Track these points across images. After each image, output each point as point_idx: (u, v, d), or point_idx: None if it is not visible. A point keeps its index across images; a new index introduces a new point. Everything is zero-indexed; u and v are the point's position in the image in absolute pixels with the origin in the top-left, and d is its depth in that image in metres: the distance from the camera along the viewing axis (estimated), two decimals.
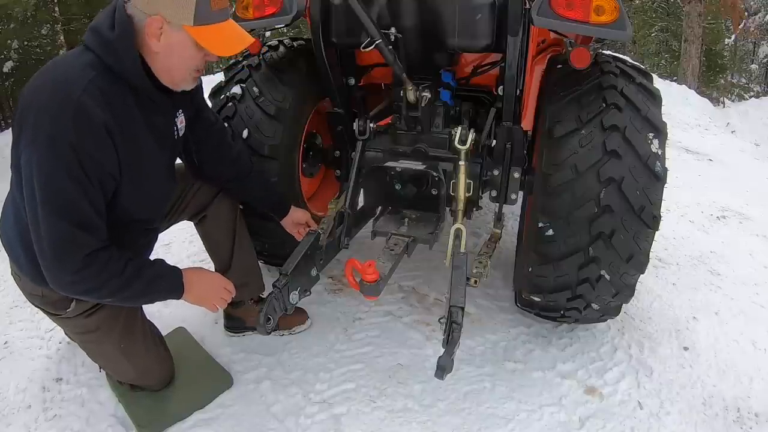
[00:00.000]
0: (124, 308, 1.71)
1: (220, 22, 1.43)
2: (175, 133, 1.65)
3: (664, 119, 1.76)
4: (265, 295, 2.17)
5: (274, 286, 1.68)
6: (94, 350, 1.79)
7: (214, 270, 2.11)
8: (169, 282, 1.57)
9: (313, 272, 1.87)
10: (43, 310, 1.67)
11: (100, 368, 1.92)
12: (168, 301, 2.34)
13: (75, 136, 1.29)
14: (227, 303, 1.73)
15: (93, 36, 1.39)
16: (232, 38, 1.46)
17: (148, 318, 1.86)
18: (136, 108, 1.43)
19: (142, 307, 1.83)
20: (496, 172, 2.08)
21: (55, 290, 1.45)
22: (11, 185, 1.50)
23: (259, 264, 2.21)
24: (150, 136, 1.50)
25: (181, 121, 1.66)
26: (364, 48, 1.80)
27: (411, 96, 2.01)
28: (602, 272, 1.75)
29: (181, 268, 1.62)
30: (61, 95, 1.31)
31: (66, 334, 1.99)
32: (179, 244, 2.90)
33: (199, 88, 1.71)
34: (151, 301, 1.64)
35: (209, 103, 1.99)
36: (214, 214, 1.97)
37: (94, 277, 1.39)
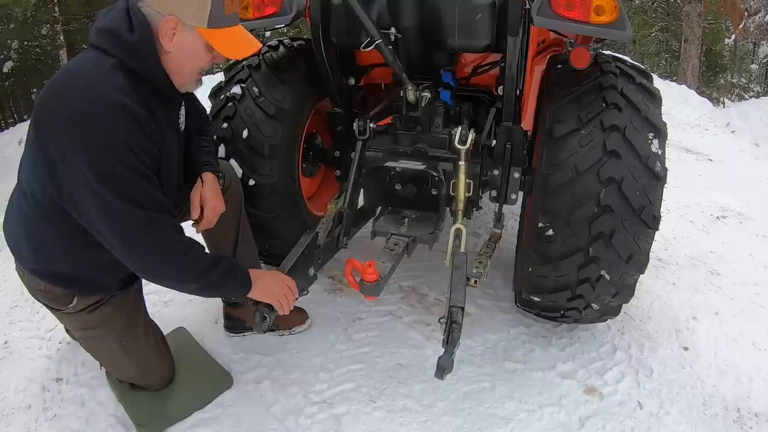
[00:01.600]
0: (126, 305, 1.71)
1: (231, 26, 1.47)
2: (180, 126, 1.67)
3: (664, 119, 1.76)
4: None
5: None
6: (95, 347, 1.79)
7: None
8: (242, 274, 1.59)
9: (311, 272, 1.87)
10: (45, 305, 1.67)
11: (100, 366, 1.92)
12: (168, 300, 2.38)
13: (127, 133, 1.32)
14: (292, 305, 1.71)
15: (111, 39, 1.38)
16: (242, 42, 1.49)
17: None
18: (157, 104, 1.46)
19: (145, 306, 1.83)
20: (496, 172, 2.08)
21: (150, 280, 1.52)
22: (20, 186, 1.51)
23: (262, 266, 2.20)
24: (168, 130, 1.54)
25: (182, 114, 1.69)
26: (364, 48, 1.80)
27: (411, 96, 2.01)
28: (602, 272, 1.75)
29: None
30: (101, 100, 1.31)
31: (66, 332, 1.99)
32: None
33: None
34: (222, 294, 1.74)
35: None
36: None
37: (187, 253, 1.44)
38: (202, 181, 1.75)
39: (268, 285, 1.65)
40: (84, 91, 1.33)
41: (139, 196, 1.35)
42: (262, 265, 2.23)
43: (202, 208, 1.74)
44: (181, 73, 1.47)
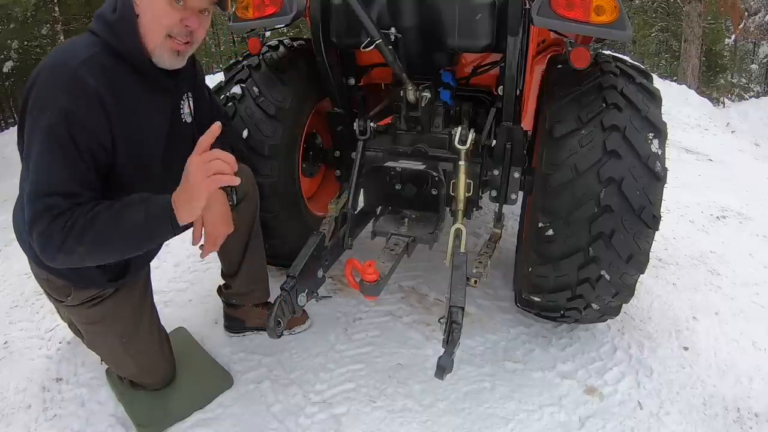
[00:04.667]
0: (130, 303, 1.71)
1: None
2: (183, 117, 1.64)
3: (664, 119, 1.76)
4: (269, 299, 2.18)
5: (282, 288, 1.67)
6: (97, 342, 1.79)
7: (220, 272, 2.11)
8: (149, 206, 1.34)
9: (320, 273, 1.87)
10: (49, 296, 1.69)
11: (101, 361, 1.93)
12: (168, 300, 2.37)
13: (67, 102, 1.31)
14: (232, 173, 1.33)
15: (97, 20, 1.43)
16: None
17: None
18: (138, 86, 1.44)
19: (152, 304, 1.83)
20: (496, 172, 2.08)
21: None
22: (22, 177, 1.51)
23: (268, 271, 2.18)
24: (153, 116, 1.50)
25: (188, 105, 1.66)
26: (364, 48, 1.80)
27: (411, 96, 2.01)
28: (602, 272, 1.75)
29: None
30: (60, 68, 1.34)
31: (69, 327, 1.99)
32: (179, 243, 2.90)
33: (198, 73, 1.71)
34: (138, 240, 1.36)
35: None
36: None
37: (60, 230, 1.29)
38: (208, 203, 1.52)
39: (190, 191, 1.32)
40: (51, 60, 1.37)
41: (48, 170, 1.31)
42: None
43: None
44: (147, 35, 1.40)
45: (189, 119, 1.67)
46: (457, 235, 1.92)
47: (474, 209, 2.18)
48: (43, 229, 1.30)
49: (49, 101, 1.31)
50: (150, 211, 1.33)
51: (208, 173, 1.30)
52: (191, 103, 1.68)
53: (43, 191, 1.31)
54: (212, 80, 2.60)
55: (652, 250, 1.77)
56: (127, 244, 1.37)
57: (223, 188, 1.63)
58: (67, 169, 1.32)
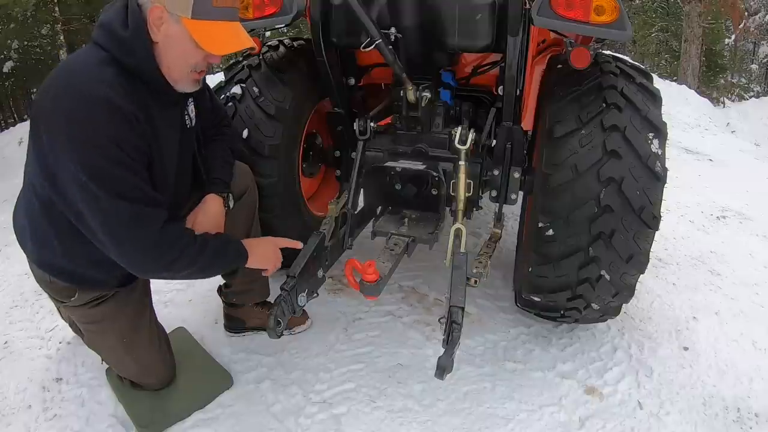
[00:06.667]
0: (131, 303, 1.71)
1: (222, 20, 1.39)
2: (188, 122, 1.65)
3: (664, 119, 1.76)
4: (269, 299, 2.18)
5: (282, 288, 1.67)
6: (97, 342, 1.79)
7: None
8: (234, 249, 1.62)
9: (320, 273, 1.87)
10: (50, 296, 1.69)
11: (101, 361, 1.92)
12: (168, 300, 2.38)
13: (112, 129, 1.31)
14: (278, 267, 1.77)
15: (105, 33, 1.38)
16: (229, 38, 1.41)
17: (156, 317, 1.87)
18: (151, 100, 1.44)
19: (151, 305, 1.83)
20: (496, 172, 2.08)
21: (139, 275, 1.53)
22: (25, 180, 1.52)
23: None
24: (165, 128, 1.51)
25: (192, 110, 1.67)
26: (364, 48, 1.81)
27: (411, 96, 2.01)
28: (602, 272, 1.75)
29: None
30: (87, 97, 1.31)
31: (70, 326, 1.99)
32: None
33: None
34: (221, 269, 1.68)
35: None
36: (231, 219, 1.88)
37: (173, 246, 1.43)
38: (204, 205, 1.69)
39: (263, 252, 1.71)
40: (70, 86, 1.33)
41: (125, 190, 1.34)
42: None
43: None
44: (171, 68, 1.42)
45: (192, 123, 1.68)
46: (457, 235, 1.92)
47: (474, 209, 2.18)
48: (155, 242, 1.40)
49: (95, 133, 1.29)
50: (237, 252, 1.62)
51: (278, 260, 1.76)
52: (193, 106, 1.69)
53: (128, 204, 1.34)
54: (212, 80, 2.60)
55: (652, 250, 1.77)
56: (211, 271, 1.62)
57: (220, 194, 1.73)
58: (140, 181, 1.38)
